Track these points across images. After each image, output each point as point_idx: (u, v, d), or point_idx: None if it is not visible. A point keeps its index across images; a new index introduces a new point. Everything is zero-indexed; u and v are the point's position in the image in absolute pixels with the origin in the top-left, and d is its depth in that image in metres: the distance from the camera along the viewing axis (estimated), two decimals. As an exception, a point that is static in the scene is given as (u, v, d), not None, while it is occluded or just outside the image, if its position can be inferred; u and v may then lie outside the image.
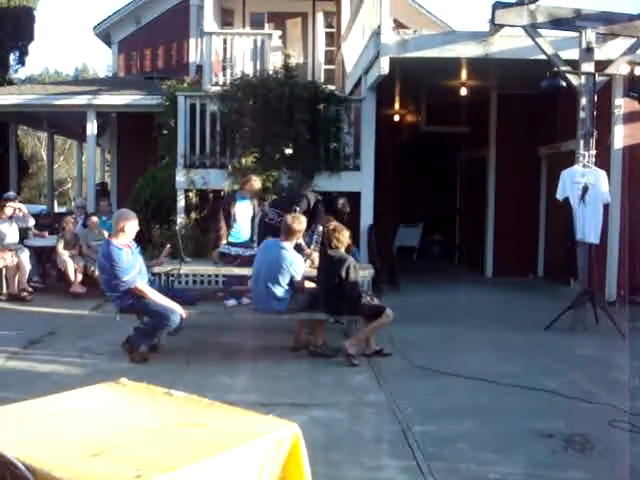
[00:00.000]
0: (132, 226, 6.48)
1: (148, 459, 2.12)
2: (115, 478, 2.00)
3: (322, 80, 13.81)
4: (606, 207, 8.49)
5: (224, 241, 8.50)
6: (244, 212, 8.83)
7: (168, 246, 7.47)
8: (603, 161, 8.78)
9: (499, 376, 5.97)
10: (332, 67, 15.47)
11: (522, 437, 4.58)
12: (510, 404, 5.34)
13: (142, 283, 6.39)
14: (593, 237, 8.19)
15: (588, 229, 8.14)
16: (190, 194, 10.76)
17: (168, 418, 2.50)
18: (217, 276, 9.74)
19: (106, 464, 2.10)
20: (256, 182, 8.86)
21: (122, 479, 1.99)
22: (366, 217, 10.58)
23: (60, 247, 10.06)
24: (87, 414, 2.57)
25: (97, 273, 9.61)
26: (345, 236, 6.61)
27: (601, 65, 8.36)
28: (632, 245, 9.73)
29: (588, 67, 8.18)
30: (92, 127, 13.12)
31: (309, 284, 6.84)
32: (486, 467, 4.07)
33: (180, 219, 10.50)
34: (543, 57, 8.42)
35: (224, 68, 12.64)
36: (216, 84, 12.19)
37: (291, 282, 6.56)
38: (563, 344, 7.45)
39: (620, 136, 9.83)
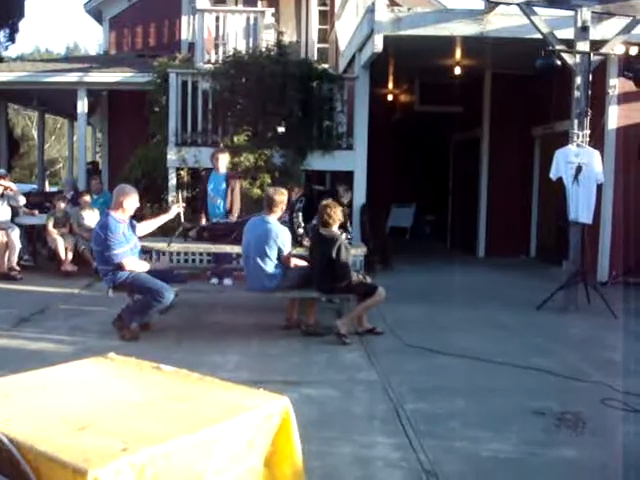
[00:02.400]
0: (132, 201, 6.42)
1: (135, 432, 2.08)
2: (101, 451, 1.96)
3: (315, 58, 13.66)
4: (599, 187, 8.47)
5: (203, 220, 8.54)
6: (217, 188, 8.85)
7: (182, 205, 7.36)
8: (597, 141, 8.73)
9: (491, 355, 5.96)
10: (325, 46, 15.32)
11: (514, 415, 4.57)
12: (503, 383, 5.34)
13: (132, 259, 6.35)
14: (586, 217, 8.16)
15: (581, 209, 8.11)
16: (182, 172, 10.68)
17: (156, 392, 2.46)
18: (209, 254, 9.67)
19: (92, 437, 2.06)
20: (224, 158, 8.87)
21: (108, 452, 1.95)
22: (359, 197, 10.52)
23: (50, 225, 9.98)
24: (74, 388, 2.53)
25: (87, 251, 9.65)
26: (337, 213, 6.55)
27: (596, 45, 8.29)
28: (625, 225, 9.72)
29: (583, 46, 8.11)
30: (83, 105, 12.97)
31: (301, 262, 6.80)
32: (478, 444, 4.06)
33: (172, 197, 10.42)
34: (538, 36, 8.34)
35: (216, 46, 12.50)
36: (208, 62, 12.05)
37: (279, 257, 6.52)
38: (555, 324, 7.45)
39: (614, 116, 9.79)
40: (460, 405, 4.79)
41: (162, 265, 6.49)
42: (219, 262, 9.01)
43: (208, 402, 2.36)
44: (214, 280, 8.85)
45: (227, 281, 8.73)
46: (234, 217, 8.62)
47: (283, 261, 6.59)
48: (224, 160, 8.93)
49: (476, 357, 5.91)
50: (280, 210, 6.71)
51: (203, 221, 8.60)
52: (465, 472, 3.70)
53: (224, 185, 8.84)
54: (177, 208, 7.15)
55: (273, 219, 6.59)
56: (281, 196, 6.67)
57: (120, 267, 6.28)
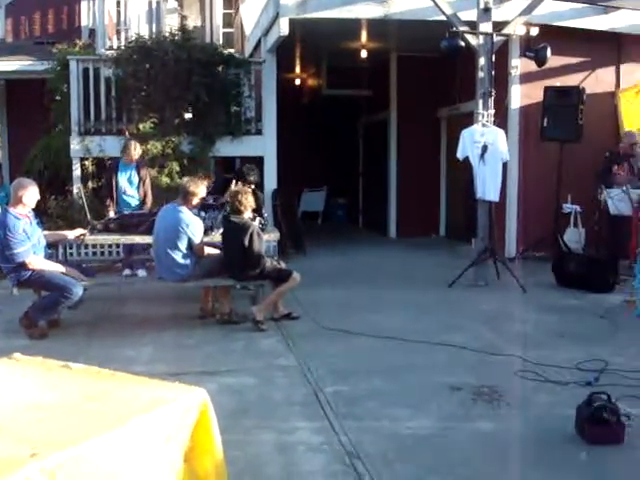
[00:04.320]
0: (31, 195, 6.14)
1: (44, 436, 1.97)
2: (9, 458, 1.84)
3: (221, 43, 13.45)
4: (505, 165, 8.66)
5: (112, 212, 8.29)
6: (130, 179, 8.68)
7: (84, 235, 7.09)
8: (501, 120, 8.94)
9: (407, 334, 6.02)
10: (231, 30, 15.12)
11: (432, 392, 4.64)
12: (419, 360, 5.41)
13: (35, 258, 6.08)
14: (493, 195, 8.34)
15: (488, 187, 8.28)
16: (86, 162, 10.33)
17: (66, 392, 2.35)
18: (118, 246, 9.43)
19: (-1, 444, 1.94)
20: (135, 148, 8.63)
21: (17, 459, 1.84)
22: (270, 182, 10.46)
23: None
24: (-24, 392, 2.38)
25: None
26: (248, 199, 6.47)
27: (498, 26, 8.45)
28: (530, 202, 10.01)
29: (486, 27, 8.26)
30: (-22, 96, 12.42)
31: (213, 250, 6.71)
32: (398, 423, 4.09)
33: (76, 189, 10.08)
34: (442, 18, 8.45)
35: (118, 32, 12.16)
36: (110, 48, 11.70)
37: (190, 246, 6.40)
38: (467, 300, 7.60)
39: (517, 96, 10.04)
40: (379, 385, 4.82)
41: (73, 272, 6.26)
42: (130, 253, 8.79)
43: (121, 399, 2.27)
44: (127, 272, 8.64)
45: (141, 272, 8.53)
46: (147, 207, 8.43)
47: (196, 251, 6.48)
48: (137, 150, 8.68)
49: (392, 336, 5.96)
50: (195, 201, 6.57)
51: (111, 213, 8.33)
52: (387, 451, 3.72)
53: (136, 176, 8.63)
54: (82, 230, 6.98)
55: (185, 209, 6.45)
56: (197, 187, 6.52)
57: (25, 265, 6.03)
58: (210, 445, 2.36)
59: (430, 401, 4.46)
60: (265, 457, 3.67)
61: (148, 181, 8.81)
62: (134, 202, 8.63)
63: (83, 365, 2.65)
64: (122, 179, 8.61)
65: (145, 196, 8.68)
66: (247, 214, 6.55)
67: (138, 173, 8.66)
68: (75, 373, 2.57)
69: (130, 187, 8.64)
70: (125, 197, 8.61)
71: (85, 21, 14.62)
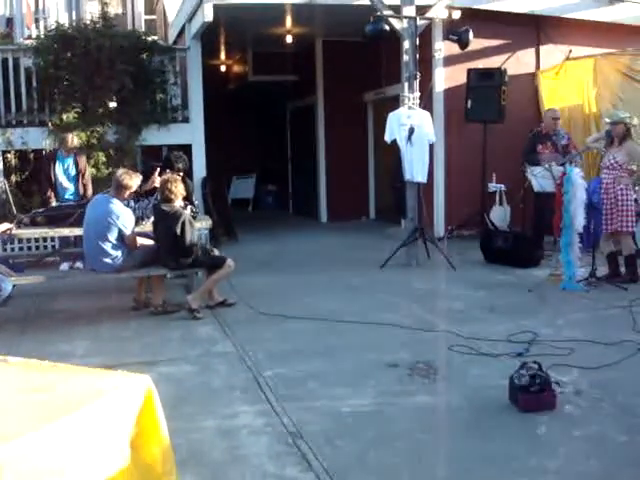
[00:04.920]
0: None
1: (-12, 429, 1.94)
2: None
3: (143, 30, 13.22)
4: (431, 147, 8.82)
5: (54, 202, 8.15)
6: (67, 171, 8.61)
7: (10, 230, 6.90)
8: (427, 103, 9.08)
9: (343, 315, 6.11)
10: (153, 17, 14.87)
11: (370, 370, 4.73)
12: (355, 340, 5.49)
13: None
14: (421, 177, 8.49)
15: (416, 169, 8.42)
16: (9, 155, 10.03)
17: (6, 385, 2.31)
18: (45, 240, 9.23)
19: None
20: (72, 139, 8.60)
21: (-39, 454, 1.81)
22: (199, 170, 10.38)
23: None
24: None
25: None
26: (178, 187, 6.42)
27: (422, 10, 8.57)
28: (455, 182, 10.23)
29: (409, 11, 8.37)
30: None
31: (146, 241, 6.64)
32: (338, 402, 4.16)
33: (0, 183, 9.79)
34: (367, 2, 8.52)
35: (37, 20, 11.83)
36: (29, 37, 11.37)
37: (121, 238, 6.33)
38: (400, 280, 7.73)
39: (441, 78, 10.22)
40: (317, 366, 4.88)
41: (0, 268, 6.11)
42: (68, 246, 8.63)
43: (64, 390, 2.25)
44: (64, 266, 8.44)
45: (79, 264, 8.36)
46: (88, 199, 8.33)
47: (128, 243, 6.40)
48: (74, 141, 8.58)
49: (327, 318, 6.04)
50: (127, 194, 6.48)
51: (54, 203, 8.21)
52: (328, 429, 3.78)
53: (74, 167, 8.56)
54: (8, 225, 6.81)
55: (116, 200, 6.36)
56: (131, 180, 6.43)
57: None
58: (156, 431, 2.36)
59: (368, 379, 4.55)
60: (209, 442, 3.69)
61: (88, 173, 8.79)
62: (70, 194, 8.53)
63: (21, 358, 2.62)
64: (59, 171, 8.52)
65: (85, 188, 8.61)
66: (178, 202, 6.51)
67: (76, 165, 8.56)
68: (14, 367, 2.53)
69: (66, 179, 8.55)
70: (61, 189, 8.51)
71: (2, 10, 14.18)
